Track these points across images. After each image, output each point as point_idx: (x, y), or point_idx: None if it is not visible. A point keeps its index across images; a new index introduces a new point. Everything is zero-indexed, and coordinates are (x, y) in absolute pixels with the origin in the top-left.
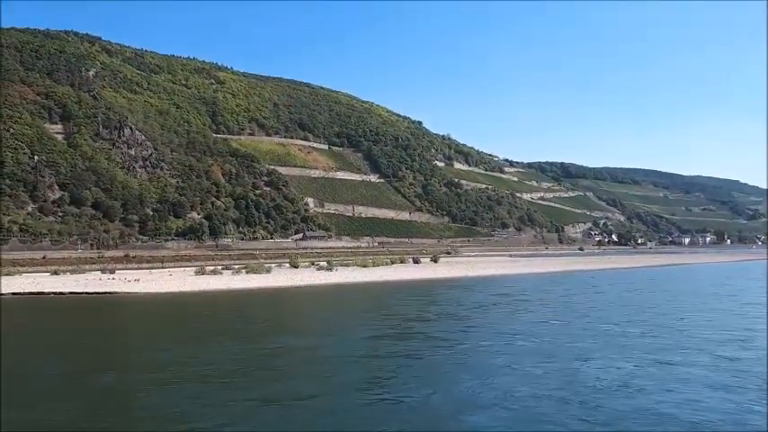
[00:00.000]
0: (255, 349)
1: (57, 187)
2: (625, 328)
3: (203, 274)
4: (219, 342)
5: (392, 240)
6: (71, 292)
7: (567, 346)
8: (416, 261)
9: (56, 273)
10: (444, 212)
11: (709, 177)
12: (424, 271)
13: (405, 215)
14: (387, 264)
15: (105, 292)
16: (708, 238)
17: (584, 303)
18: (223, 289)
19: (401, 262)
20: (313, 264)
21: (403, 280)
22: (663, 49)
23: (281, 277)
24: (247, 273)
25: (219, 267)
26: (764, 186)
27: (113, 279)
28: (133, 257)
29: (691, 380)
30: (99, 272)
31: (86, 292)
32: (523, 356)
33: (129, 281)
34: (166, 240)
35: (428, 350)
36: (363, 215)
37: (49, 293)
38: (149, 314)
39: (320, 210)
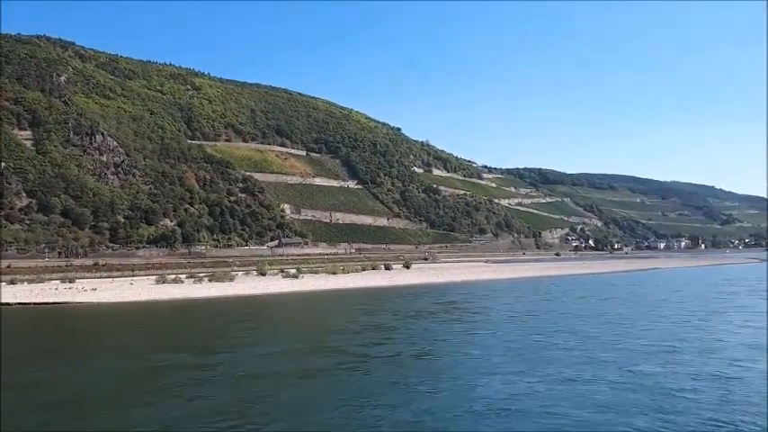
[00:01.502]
0: (138, 369)
1: (24, 194)
2: (552, 338)
3: (164, 282)
4: (112, 358)
5: (370, 246)
6: (19, 303)
7: (476, 359)
8: (388, 267)
9: (12, 282)
10: (422, 218)
11: (686, 183)
12: (394, 278)
13: (383, 221)
14: (357, 270)
15: (55, 303)
16: (683, 243)
17: (525, 311)
18: (179, 298)
19: (373, 269)
20: (282, 271)
21: (366, 287)
22: (643, 55)
23: (242, 285)
24: (210, 281)
25: (182, 276)
26: (740, 192)
27: (70, 288)
28: (103, 266)
29: (585, 400)
30: (59, 281)
31: (35, 303)
32: (420, 372)
33: (85, 290)
34: (138, 248)
35: (323, 368)
36: (341, 221)
37: None
38: (78, 326)
39: (297, 216)
